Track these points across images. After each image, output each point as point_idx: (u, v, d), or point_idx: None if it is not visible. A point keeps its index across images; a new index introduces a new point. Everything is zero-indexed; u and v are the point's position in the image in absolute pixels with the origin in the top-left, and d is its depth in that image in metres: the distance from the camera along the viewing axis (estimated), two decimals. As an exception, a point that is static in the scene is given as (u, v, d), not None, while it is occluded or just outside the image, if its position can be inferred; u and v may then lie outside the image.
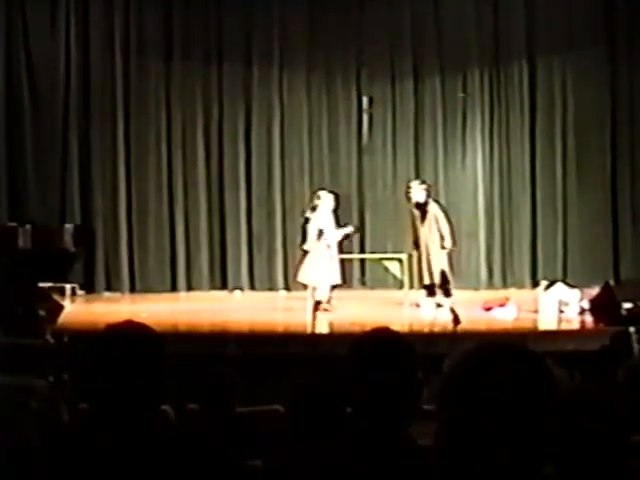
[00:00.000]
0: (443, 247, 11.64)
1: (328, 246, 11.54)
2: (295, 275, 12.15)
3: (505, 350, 1.58)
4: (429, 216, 11.64)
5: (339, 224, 12.01)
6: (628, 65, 14.69)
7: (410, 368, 2.32)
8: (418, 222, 11.71)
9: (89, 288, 14.08)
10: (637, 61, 14.65)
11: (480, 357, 1.57)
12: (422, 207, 11.72)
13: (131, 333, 2.41)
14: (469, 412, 1.53)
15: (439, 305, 11.47)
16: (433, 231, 11.61)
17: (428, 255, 11.58)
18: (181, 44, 14.72)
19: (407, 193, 12.10)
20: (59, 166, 14.26)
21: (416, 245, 11.74)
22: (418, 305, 11.75)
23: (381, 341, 2.36)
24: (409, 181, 12.74)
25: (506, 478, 1.54)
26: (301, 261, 11.91)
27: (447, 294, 11.57)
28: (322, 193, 12.02)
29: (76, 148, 14.31)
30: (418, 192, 11.82)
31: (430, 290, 11.68)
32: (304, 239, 12.02)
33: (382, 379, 2.27)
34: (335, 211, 11.95)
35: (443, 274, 11.60)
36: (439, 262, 11.59)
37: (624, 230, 14.68)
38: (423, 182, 12.25)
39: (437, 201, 12.19)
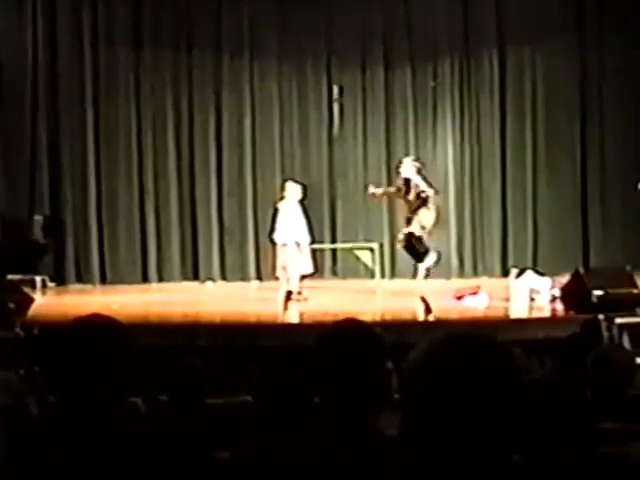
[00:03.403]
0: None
1: (297, 243, 11.56)
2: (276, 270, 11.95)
3: (469, 340, 1.58)
4: (412, 192, 11.59)
5: (308, 215, 12.01)
6: (597, 54, 14.78)
7: (379, 358, 2.32)
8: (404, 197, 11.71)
9: (59, 280, 13.99)
10: (606, 51, 14.74)
11: (444, 347, 1.57)
12: (407, 183, 11.67)
13: (97, 326, 2.39)
14: (433, 402, 1.53)
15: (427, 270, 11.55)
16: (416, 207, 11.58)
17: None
18: (150, 32, 14.62)
19: (397, 167, 11.99)
20: (28, 157, 14.14)
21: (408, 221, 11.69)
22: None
23: (349, 332, 2.36)
24: (400, 160, 12.62)
25: (472, 467, 1.54)
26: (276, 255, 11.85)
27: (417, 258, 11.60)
28: (288, 184, 12.02)
29: (45, 139, 14.19)
30: (407, 167, 11.73)
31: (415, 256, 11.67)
32: (272, 230, 11.98)
33: (350, 370, 2.27)
34: (302, 201, 11.92)
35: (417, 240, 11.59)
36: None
37: (593, 218, 14.79)
38: (417, 159, 12.17)
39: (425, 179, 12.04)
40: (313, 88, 15.20)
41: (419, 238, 11.53)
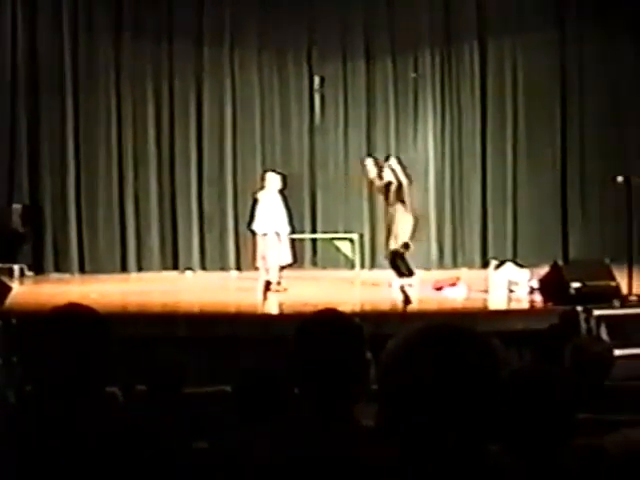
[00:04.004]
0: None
1: (277, 234, 11.56)
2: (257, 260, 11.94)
3: (447, 331, 1.58)
4: (390, 195, 11.58)
5: (288, 205, 11.99)
6: (578, 47, 14.84)
7: (358, 349, 2.33)
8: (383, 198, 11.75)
9: (38, 269, 13.93)
10: (586, 43, 14.80)
11: (422, 338, 1.57)
12: (387, 186, 11.65)
13: (75, 316, 2.38)
14: (410, 393, 1.54)
15: (409, 285, 11.44)
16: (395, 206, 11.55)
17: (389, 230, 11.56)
18: (131, 22, 14.55)
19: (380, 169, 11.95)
20: (7, 145, 14.06)
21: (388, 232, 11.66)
22: (390, 285, 11.56)
23: (328, 322, 2.36)
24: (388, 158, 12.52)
25: (448, 457, 1.55)
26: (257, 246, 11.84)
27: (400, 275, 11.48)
28: (268, 174, 12.00)
29: (24, 127, 14.11)
30: (389, 171, 11.68)
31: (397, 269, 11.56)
32: (252, 220, 11.96)
33: (329, 360, 2.27)
34: (282, 192, 11.90)
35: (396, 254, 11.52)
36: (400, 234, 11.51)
37: (573, 210, 14.87)
38: (399, 162, 12.11)
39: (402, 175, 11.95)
40: (294, 78, 15.18)
41: (402, 256, 11.48)
